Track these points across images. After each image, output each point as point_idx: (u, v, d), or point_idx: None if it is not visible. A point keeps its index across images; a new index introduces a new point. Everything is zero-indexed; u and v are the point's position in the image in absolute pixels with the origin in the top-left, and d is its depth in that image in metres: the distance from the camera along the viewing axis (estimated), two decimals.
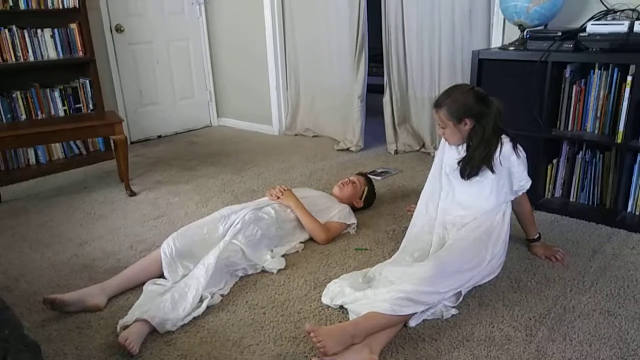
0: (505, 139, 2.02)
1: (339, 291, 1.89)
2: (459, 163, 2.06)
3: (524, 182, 2.07)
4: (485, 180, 2.04)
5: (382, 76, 3.89)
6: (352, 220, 2.56)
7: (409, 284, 1.72)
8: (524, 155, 2.07)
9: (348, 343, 1.60)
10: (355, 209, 2.67)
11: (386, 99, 3.89)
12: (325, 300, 1.93)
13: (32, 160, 3.82)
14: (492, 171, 1.99)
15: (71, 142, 3.96)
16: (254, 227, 2.22)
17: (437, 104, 2.06)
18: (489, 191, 2.05)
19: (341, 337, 1.59)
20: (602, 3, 2.65)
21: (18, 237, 2.67)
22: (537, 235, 2.27)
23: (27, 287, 2.16)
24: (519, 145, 2.04)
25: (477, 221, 2.03)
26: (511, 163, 2.01)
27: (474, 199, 2.06)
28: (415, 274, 1.77)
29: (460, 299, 1.89)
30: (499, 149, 1.99)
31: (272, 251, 2.27)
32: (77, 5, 3.72)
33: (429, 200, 2.19)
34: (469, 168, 2.02)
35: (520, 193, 2.09)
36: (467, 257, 1.89)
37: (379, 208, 2.85)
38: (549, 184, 2.80)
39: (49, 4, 3.65)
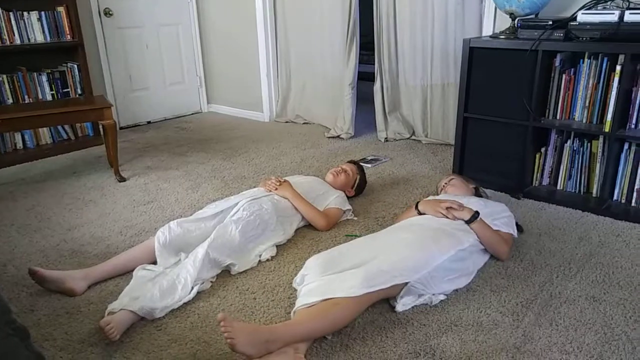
0: None
1: (302, 277, 1.86)
2: None
3: None
4: None
5: (373, 64, 3.88)
6: (347, 206, 2.58)
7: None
8: None
9: (262, 349, 1.48)
10: (347, 197, 2.68)
11: (377, 86, 3.89)
12: (294, 285, 1.93)
13: (19, 145, 3.77)
14: None
15: (59, 127, 3.92)
16: (255, 220, 2.19)
17: None
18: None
19: (254, 337, 1.48)
20: None
21: (5, 221, 2.64)
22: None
23: (15, 272, 2.14)
24: None
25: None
26: None
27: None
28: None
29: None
30: None
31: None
32: None
33: None
34: None
35: None
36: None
37: (370, 195, 2.86)
38: (537, 172, 2.83)
39: None
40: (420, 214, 2.18)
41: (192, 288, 1.90)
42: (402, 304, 1.80)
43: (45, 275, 1.92)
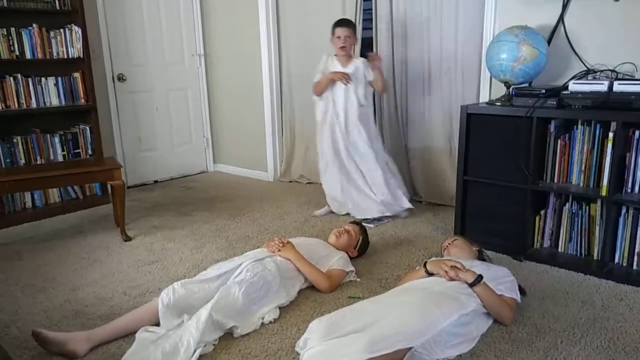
0: None
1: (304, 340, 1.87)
2: None
3: None
4: None
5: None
6: (350, 267, 2.59)
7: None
8: None
9: None
10: (350, 258, 2.70)
11: None
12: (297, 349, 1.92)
13: (29, 204, 3.84)
14: None
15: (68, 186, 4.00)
16: (258, 281, 2.21)
17: None
18: None
19: None
20: (583, 63, 2.80)
21: (11, 281, 2.67)
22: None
23: (17, 333, 2.15)
24: None
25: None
26: None
27: None
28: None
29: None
30: None
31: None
32: (81, 56, 3.85)
33: None
34: None
35: None
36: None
37: (372, 256, 2.88)
38: (538, 234, 2.85)
39: (54, 54, 3.79)
40: (428, 272, 2.20)
41: (195, 351, 1.89)
42: None
43: (48, 337, 1.93)
